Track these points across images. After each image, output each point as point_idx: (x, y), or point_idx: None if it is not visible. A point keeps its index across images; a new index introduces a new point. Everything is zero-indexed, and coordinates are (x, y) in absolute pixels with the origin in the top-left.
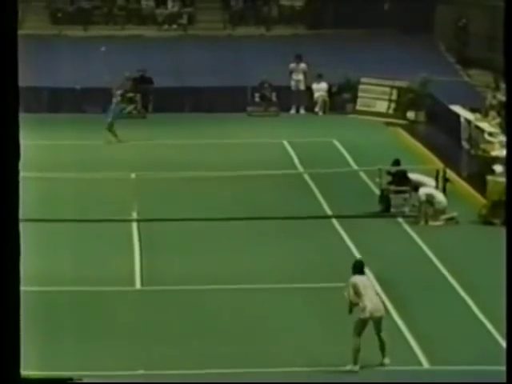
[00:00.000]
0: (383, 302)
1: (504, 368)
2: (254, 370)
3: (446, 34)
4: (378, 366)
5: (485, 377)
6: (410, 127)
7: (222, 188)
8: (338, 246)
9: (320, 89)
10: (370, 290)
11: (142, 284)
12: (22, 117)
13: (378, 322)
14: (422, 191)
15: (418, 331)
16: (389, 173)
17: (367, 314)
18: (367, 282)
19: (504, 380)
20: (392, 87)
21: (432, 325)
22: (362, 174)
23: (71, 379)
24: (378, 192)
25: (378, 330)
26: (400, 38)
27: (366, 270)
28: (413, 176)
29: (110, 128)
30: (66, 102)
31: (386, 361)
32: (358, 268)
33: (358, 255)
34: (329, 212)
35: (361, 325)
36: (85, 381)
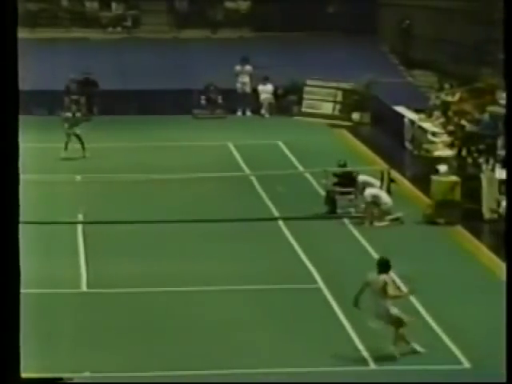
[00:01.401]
0: None
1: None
2: (196, 372)
3: (390, 36)
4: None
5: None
6: (355, 129)
7: (168, 190)
8: (284, 247)
9: (266, 91)
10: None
11: (88, 286)
12: None
13: None
14: (368, 192)
15: (364, 332)
16: (334, 174)
17: None
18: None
19: (504, 380)
20: (337, 89)
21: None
22: (308, 176)
23: (61, 379)
24: (323, 193)
25: None
26: (345, 40)
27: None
28: (358, 177)
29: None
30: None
31: (418, 347)
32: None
33: (303, 256)
34: (275, 214)
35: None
36: (75, 381)
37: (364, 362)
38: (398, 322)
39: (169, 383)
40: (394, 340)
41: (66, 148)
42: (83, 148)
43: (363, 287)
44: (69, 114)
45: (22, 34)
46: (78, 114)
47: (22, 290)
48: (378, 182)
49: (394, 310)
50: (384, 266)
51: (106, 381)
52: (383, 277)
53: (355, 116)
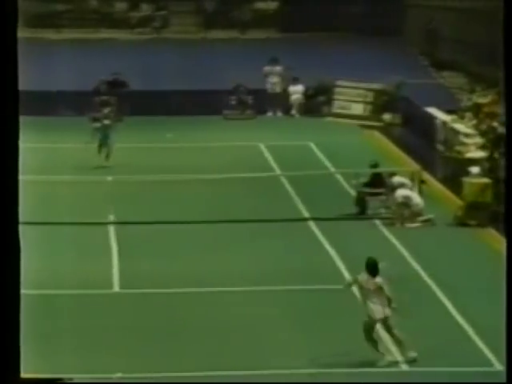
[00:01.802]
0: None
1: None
2: (229, 372)
3: (418, 37)
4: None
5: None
6: (386, 130)
7: (199, 191)
8: (314, 248)
9: (296, 91)
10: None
11: (121, 287)
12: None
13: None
14: (399, 193)
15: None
16: (366, 175)
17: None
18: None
19: (504, 380)
20: (367, 90)
21: (408, 326)
22: (339, 177)
23: (61, 379)
24: (354, 194)
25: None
26: (371, 41)
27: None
28: (390, 178)
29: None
30: (42, 105)
31: (412, 354)
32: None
33: (335, 257)
34: (306, 214)
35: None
36: (75, 381)
37: (395, 363)
38: (388, 324)
39: (180, 383)
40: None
41: (99, 151)
42: (108, 155)
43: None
44: (97, 124)
45: (49, 35)
46: (107, 122)
47: (55, 291)
48: (409, 183)
49: (387, 311)
50: (376, 268)
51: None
52: (378, 278)
53: (386, 117)
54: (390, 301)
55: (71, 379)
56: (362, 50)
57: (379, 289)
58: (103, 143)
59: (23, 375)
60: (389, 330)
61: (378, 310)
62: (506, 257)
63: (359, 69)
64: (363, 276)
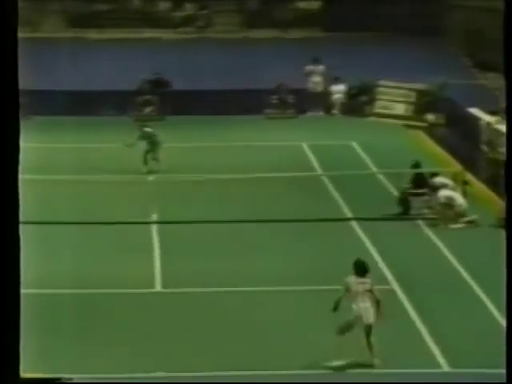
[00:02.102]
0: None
1: None
2: (272, 372)
3: (462, 38)
4: (369, 366)
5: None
6: (429, 130)
7: (241, 191)
8: (357, 248)
9: (338, 91)
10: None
11: (163, 286)
12: (38, 120)
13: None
14: (442, 194)
15: (437, 333)
16: (408, 175)
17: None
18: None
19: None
20: (410, 90)
21: (451, 327)
22: (381, 177)
23: (59, 379)
24: (397, 194)
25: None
26: (414, 41)
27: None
28: (433, 178)
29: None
30: (84, 105)
31: (376, 361)
32: (357, 268)
33: (377, 258)
34: (348, 214)
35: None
36: (75, 381)
37: (438, 365)
38: (370, 329)
39: (186, 383)
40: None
41: (145, 162)
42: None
43: (343, 292)
44: (147, 129)
45: (92, 34)
46: (148, 129)
47: (99, 290)
48: (451, 184)
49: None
50: (364, 268)
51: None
52: (367, 279)
53: (429, 117)
54: (378, 303)
55: (71, 379)
56: (406, 50)
57: (368, 291)
58: (150, 150)
59: (25, 374)
60: (368, 333)
61: (366, 313)
62: (506, 257)
63: (402, 69)
64: (351, 278)
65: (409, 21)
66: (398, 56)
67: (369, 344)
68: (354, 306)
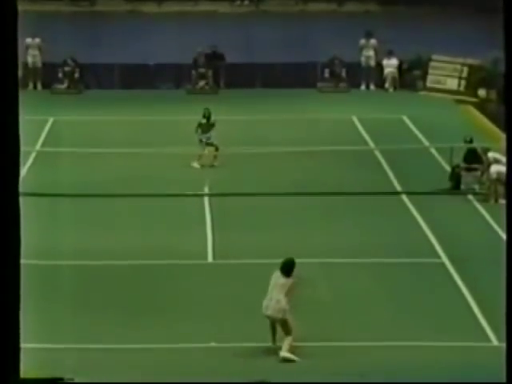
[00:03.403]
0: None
1: None
2: (329, 343)
3: None
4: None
5: None
6: (481, 105)
7: (292, 164)
8: (408, 222)
9: (390, 65)
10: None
11: (214, 258)
12: (95, 93)
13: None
14: (493, 169)
15: (487, 308)
16: (461, 151)
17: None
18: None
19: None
20: (463, 65)
21: (501, 302)
22: (433, 151)
23: (62, 379)
24: (449, 169)
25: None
26: (473, 16)
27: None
28: (484, 154)
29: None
30: (140, 78)
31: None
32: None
33: (427, 231)
34: (399, 189)
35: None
36: (76, 381)
37: (487, 339)
38: (289, 328)
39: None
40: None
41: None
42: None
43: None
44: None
45: (149, 8)
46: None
47: (151, 261)
48: (504, 160)
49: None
50: (291, 269)
51: None
52: (290, 280)
53: (481, 92)
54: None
55: (72, 379)
56: (461, 25)
57: (288, 288)
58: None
59: (23, 375)
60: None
61: (279, 307)
62: (506, 255)
63: (456, 44)
64: (277, 273)
65: None
66: (452, 31)
67: (273, 336)
68: (272, 299)
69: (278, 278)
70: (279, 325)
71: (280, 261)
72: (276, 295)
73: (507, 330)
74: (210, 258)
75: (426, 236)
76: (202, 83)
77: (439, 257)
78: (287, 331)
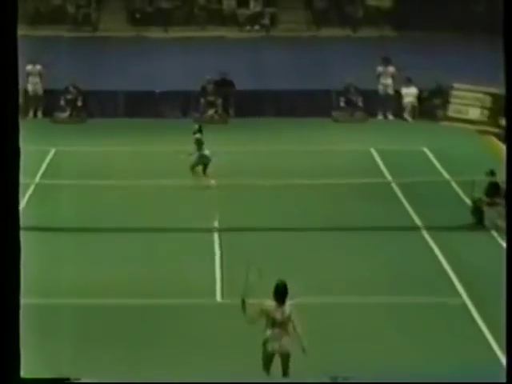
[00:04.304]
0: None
1: None
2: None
3: None
4: None
5: None
6: (504, 136)
7: (306, 196)
8: (426, 258)
9: (409, 94)
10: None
11: (223, 297)
12: (99, 121)
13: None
14: None
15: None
16: (483, 184)
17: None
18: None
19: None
20: (485, 94)
21: None
22: (454, 184)
23: (68, 379)
24: (470, 203)
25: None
26: (494, 43)
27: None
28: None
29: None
30: (145, 106)
31: None
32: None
33: (447, 268)
34: (418, 223)
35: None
36: (82, 381)
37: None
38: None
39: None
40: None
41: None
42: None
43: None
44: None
45: (154, 33)
46: (198, 137)
47: (158, 301)
48: None
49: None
50: (285, 294)
51: None
52: (287, 307)
53: (503, 122)
54: (299, 336)
55: (78, 379)
56: (484, 51)
57: (287, 320)
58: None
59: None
60: (286, 364)
61: (284, 343)
62: (506, 257)
63: (479, 71)
64: (270, 303)
65: (487, 21)
66: (474, 57)
67: (285, 373)
68: (268, 332)
69: (273, 308)
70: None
71: (294, 300)
72: (278, 331)
73: (507, 330)
74: (218, 297)
75: (445, 273)
76: (210, 112)
77: (460, 295)
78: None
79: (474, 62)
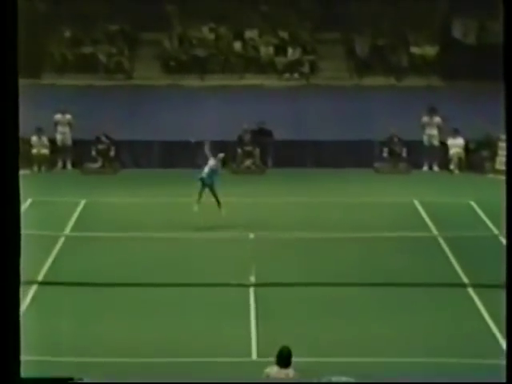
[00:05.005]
0: None
1: None
2: None
3: None
4: None
5: None
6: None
7: (347, 250)
8: (473, 318)
9: (456, 145)
10: None
11: (258, 355)
12: (132, 172)
13: None
14: None
15: None
16: None
17: None
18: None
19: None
20: None
21: None
22: (502, 240)
23: (72, 379)
24: None
25: None
26: None
27: None
28: None
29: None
30: (181, 156)
31: None
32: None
33: (494, 329)
34: (465, 280)
35: None
36: (85, 381)
37: None
38: None
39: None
40: None
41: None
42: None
43: None
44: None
45: (190, 81)
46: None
47: (189, 359)
48: None
49: None
50: (288, 359)
51: None
52: (290, 371)
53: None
54: None
55: (81, 379)
56: None
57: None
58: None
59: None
60: None
61: None
62: (506, 259)
63: None
64: (273, 369)
65: None
66: None
67: None
68: None
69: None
70: None
71: (336, 359)
72: None
73: (507, 330)
74: (254, 356)
75: (493, 334)
76: (248, 162)
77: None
78: None
79: None
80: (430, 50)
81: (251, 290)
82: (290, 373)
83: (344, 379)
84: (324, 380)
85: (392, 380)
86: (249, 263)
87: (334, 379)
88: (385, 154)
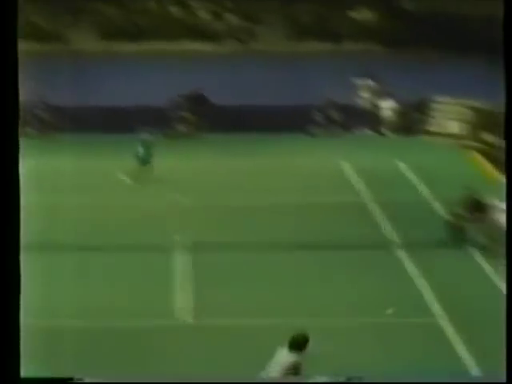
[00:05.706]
0: None
1: None
2: None
3: None
4: None
5: None
6: (487, 151)
7: (281, 215)
8: (403, 277)
9: (388, 107)
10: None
11: (195, 318)
12: (71, 138)
13: None
14: (500, 221)
15: (489, 369)
16: (463, 200)
17: None
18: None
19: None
20: (467, 107)
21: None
22: (433, 201)
23: (71, 379)
24: (450, 220)
25: None
26: (482, 60)
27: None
28: (490, 203)
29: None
30: (116, 121)
31: None
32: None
33: (424, 288)
34: (396, 241)
35: None
36: (86, 380)
37: None
38: None
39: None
40: None
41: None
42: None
43: None
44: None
45: (127, 47)
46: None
47: (129, 323)
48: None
49: None
50: (304, 345)
51: None
52: (299, 357)
53: (487, 137)
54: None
55: (81, 379)
56: (473, 68)
57: (296, 368)
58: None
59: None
60: None
61: None
62: (506, 260)
63: (465, 88)
64: (283, 351)
65: (475, 37)
66: (464, 74)
67: None
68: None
69: (285, 357)
70: None
71: (272, 320)
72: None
73: (507, 330)
74: (189, 318)
75: (421, 293)
76: (182, 127)
77: (434, 316)
78: None
79: (462, 79)
80: (368, 16)
81: (188, 255)
82: (297, 359)
83: (344, 379)
84: (323, 380)
85: (389, 380)
86: (183, 228)
87: (334, 379)
88: (319, 118)
